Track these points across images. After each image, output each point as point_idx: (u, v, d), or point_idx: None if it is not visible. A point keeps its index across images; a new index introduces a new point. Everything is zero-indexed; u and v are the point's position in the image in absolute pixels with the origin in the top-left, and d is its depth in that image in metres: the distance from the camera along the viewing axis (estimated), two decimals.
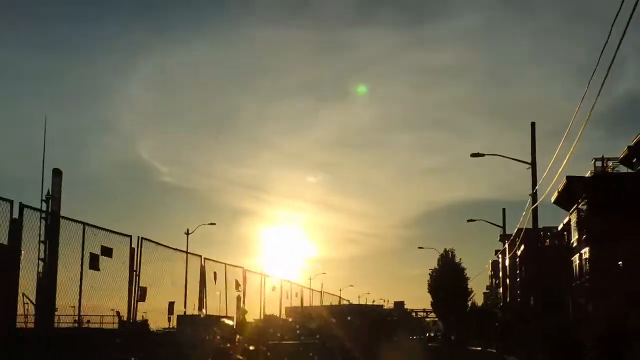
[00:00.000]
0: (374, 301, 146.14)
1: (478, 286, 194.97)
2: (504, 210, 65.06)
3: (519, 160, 41.64)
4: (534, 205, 40.22)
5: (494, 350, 68.32)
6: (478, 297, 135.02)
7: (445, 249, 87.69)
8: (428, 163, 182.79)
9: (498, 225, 63.84)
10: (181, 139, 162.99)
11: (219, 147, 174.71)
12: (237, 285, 28.39)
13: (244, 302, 28.56)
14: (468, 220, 65.60)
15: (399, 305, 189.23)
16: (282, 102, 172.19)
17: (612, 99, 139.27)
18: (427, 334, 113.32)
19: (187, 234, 64.75)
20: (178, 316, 23.19)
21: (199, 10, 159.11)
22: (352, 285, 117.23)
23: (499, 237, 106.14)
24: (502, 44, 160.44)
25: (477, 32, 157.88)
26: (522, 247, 79.89)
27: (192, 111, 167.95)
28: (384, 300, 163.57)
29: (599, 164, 57.33)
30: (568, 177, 54.91)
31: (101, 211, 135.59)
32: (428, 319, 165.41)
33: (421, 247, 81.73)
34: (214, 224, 68.66)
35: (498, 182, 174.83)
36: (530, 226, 54.97)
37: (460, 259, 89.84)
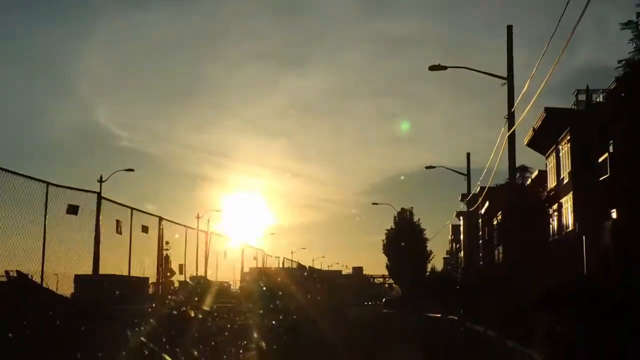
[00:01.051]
0: (330, 266, 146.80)
1: (438, 252, 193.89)
2: (468, 154, 55.28)
3: (492, 75, 32.23)
4: (510, 131, 30.41)
5: (455, 318, 59.18)
6: (438, 262, 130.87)
7: (403, 207, 77.88)
8: (387, 130, 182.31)
9: (461, 173, 54.32)
10: (140, 105, 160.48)
11: (179, 112, 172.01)
12: (163, 242, 24.17)
13: (183, 265, 26.09)
14: (427, 167, 56.28)
15: (358, 270, 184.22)
16: (242, 68, 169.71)
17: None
18: (383, 299, 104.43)
19: (101, 181, 54.23)
20: (76, 276, 18.94)
21: None
22: (304, 248, 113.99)
23: (460, 197, 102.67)
24: (462, 13, 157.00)
25: (436, 1, 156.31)
26: (487, 204, 70.89)
27: (151, 76, 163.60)
28: (342, 266, 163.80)
29: (582, 97, 46.95)
30: (547, 109, 44.80)
31: (59, 175, 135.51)
32: (387, 285, 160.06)
33: (375, 203, 71.84)
34: (132, 170, 61.68)
35: (461, 151, 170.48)
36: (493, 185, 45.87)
37: (419, 219, 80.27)
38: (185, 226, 27.57)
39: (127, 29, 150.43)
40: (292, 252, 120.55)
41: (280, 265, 49.93)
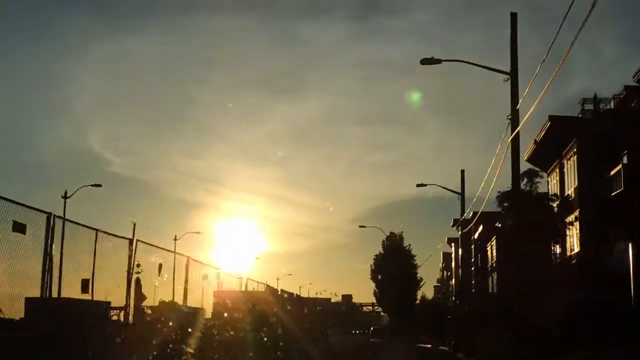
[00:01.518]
0: (318, 293, 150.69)
1: (428, 280, 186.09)
2: (462, 171, 50.80)
3: (493, 69, 27.59)
4: (515, 132, 25.64)
5: (447, 349, 54.12)
6: (428, 291, 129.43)
7: (392, 232, 72.55)
8: (379, 158, 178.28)
9: (455, 192, 49.54)
10: (133, 130, 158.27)
11: (171, 138, 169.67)
12: (133, 264, 21.50)
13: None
14: (418, 185, 51.31)
15: (347, 298, 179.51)
16: (235, 95, 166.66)
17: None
18: (372, 328, 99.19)
19: (65, 197, 50.17)
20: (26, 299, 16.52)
21: None
22: (290, 274, 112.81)
23: (452, 223, 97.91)
24: (453, 39, 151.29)
25: (428, 27, 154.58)
26: (480, 228, 66.43)
27: (144, 101, 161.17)
28: (331, 293, 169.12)
29: (589, 106, 42.25)
30: (552, 117, 39.89)
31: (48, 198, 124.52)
32: (375, 313, 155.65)
33: (363, 226, 66.85)
34: (100, 185, 57.91)
35: (453, 177, 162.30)
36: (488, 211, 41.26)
37: (409, 245, 75.14)
38: (161, 248, 24.92)
39: (120, 54, 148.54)
40: (277, 279, 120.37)
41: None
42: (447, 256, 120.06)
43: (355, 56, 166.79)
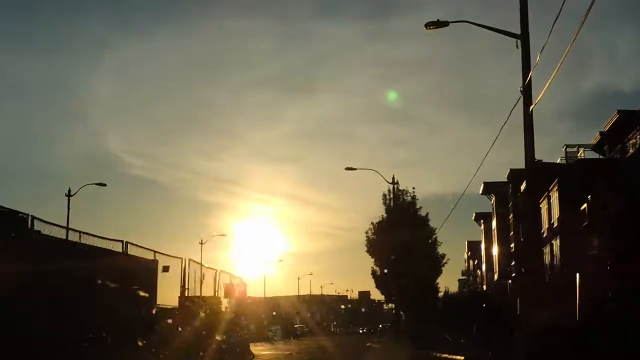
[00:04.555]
0: (337, 292, 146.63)
1: (450, 275, 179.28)
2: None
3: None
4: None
5: None
6: (451, 284, 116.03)
7: (394, 177, 45.35)
8: (395, 155, 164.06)
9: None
10: (151, 133, 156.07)
11: (189, 140, 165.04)
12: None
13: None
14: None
15: (364, 295, 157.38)
16: (250, 95, 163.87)
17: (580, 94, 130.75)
18: (380, 326, 75.62)
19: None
20: None
21: (165, 2, 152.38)
22: (311, 274, 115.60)
23: (473, 217, 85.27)
24: (467, 37, 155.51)
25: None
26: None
27: (160, 104, 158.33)
28: (346, 290, 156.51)
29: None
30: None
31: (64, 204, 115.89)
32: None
33: (352, 168, 40.79)
34: (104, 184, 52.03)
35: (470, 174, 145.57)
36: None
37: (420, 208, 48.93)
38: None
39: (135, 57, 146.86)
40: (298, 278, 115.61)
41: None
42: (473, 245, 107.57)
43: (369, 54, 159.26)
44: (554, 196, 48.36)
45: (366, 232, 46.63)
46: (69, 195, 48.56)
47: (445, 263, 49.48)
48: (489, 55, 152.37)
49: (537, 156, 21.84)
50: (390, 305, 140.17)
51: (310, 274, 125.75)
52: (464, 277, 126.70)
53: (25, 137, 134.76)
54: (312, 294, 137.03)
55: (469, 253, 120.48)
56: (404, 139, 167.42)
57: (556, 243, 46.97)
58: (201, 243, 60.08)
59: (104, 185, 50.72)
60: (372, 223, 46.18)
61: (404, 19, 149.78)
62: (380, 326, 75.36)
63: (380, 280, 46.89)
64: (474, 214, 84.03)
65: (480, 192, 70.48)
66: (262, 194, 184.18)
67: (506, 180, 64.31)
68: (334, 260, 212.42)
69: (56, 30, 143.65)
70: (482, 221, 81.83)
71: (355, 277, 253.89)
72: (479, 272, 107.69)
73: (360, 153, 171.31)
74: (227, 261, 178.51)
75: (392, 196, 42.83)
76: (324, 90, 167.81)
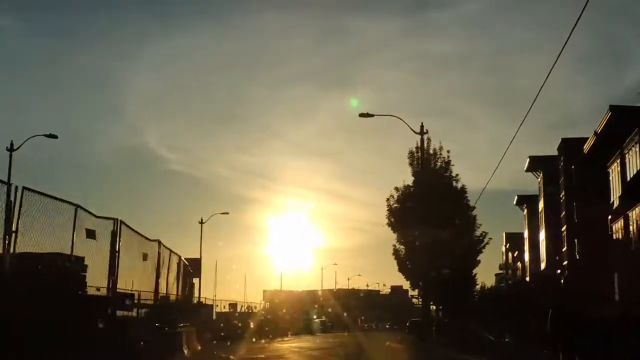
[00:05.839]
0: (367, 285, 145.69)
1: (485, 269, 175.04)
2: None
3: None
4: None
5: None
6: (486, 279, 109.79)
7: (422, 125, 33.44)
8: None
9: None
10: (187, 127, 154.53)
11: (225, 135, 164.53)
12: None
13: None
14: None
15: (397, 289, 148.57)
16: (287, 90, 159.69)
17: None
18: (409, 322, 65.58)
19: None
20: None
21: None
22: (335, 264, 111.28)
23: (515, 201, 74.94)
24: (504, 32, 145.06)
25: (479, 20, 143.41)
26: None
27: (197, 99, 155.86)
28: (377, 283, 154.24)
29: None
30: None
31: (104, 198, 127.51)
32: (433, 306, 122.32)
33: (369, 115, 30.31)
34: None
35: (508, 170, 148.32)
36: None
37: (457, 175, 37.57)
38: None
39: (173, 52, 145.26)
40: (322, 268, 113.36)
41: None
42: (513, 237, 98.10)
43: (406, 49, 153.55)
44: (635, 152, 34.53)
45: (387, 200, 35.40)
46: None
47: (487, 244, 38.75)
48: (524, 51, 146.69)
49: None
50: (417, 299, 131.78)
51: (335, 264, 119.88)
52: (501, 272, 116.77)
53: (64, 131, 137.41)
54: (341, 287, 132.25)
55: (507, 245, 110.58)
56: (440, 133, 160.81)
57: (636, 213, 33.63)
58: (201, 222, 55.98)
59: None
60: (397, 188, 35.19)
61: (442, 14, 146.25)
62: (409, 322, 64.94)
63: (403, 263, 36.08)
64: (516, 197, 73.26)
65: (525, 168, 59.87)
66: (298, 188, 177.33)
67: (556, 153, 53.89)
68: (367, 255, 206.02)
69: (95, 24, 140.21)
70: (525, 205, 71.11)
71: (388, 273, 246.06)
72: (519, 264, 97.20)
73: (397, 147, 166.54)
74: (265, 257, 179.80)
75: (419, 154, 32.03)
76: (360, 85, 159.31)
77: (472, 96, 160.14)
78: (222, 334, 47.42)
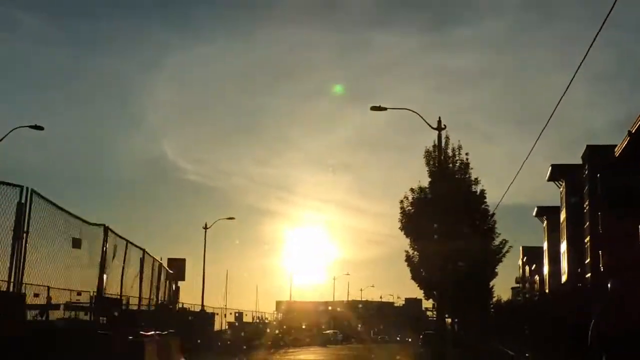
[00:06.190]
0: (380, 297, 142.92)
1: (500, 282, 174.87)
2: None
3: None
4: None
5: None
6: (503, 292, 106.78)
7: (440, 119, 31.23)
8: None
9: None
10: (206, 138, 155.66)
11: (243, 146, 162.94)
12: None
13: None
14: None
15: (413, 302, 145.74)
16: (306, 102, 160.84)
17: None
18: (422, 335, 62.95)
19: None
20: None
21: (223, 8, 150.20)
22: (348, 274, 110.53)
23: (535, 212, 72.45)
24: (524, 49, 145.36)
25: (499, 37, 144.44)
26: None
27: (216, 110, 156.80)
28: (390, 295, 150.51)
29: None
30: None
31: (123, 207, 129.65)
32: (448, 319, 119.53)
33: (381, 108, 28.03)
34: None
35: (528, 185, 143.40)
36: None
37: (477, 178, 35.00)
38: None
39: (195, 63, 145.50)
40: (334, 278, 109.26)
41: None
42: (529, 251, 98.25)
43: (427, 64, 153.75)
44: None
45: (401, 202, 32.54)
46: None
47: (507, 252, 35.95)
48: (545, 69, 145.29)
49: None
50: (432, 312, 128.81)
51: (347, 274, 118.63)
52: (518, 285, 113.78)
53: (84, 141, 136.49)
54: (354, 299, 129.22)
55: (525, 259, 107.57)
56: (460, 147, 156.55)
57: None
58: (205, 227, 53.65)
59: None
60: (412, 189, 32.31)
61: (463, 30, 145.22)
62: (422, 335, 62.25)
63: (417, 270, 33.35)
64: (536, 209, 70.46)
65: (547, 177, 57.15)
66: (314, 200, 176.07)
67: (581, 162, 51.22)
68: (382, 267, 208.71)
69: (117, 34, 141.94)
70: (545, 217, 68.29)
71: (403, 286, 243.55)
72: (536, 277, 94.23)
73: (416, 162, 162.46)
74: (278, 268, 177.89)
75: (436, 153, 29.33)
76: (381, 99, 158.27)
77: (492, 112, 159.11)
78: (229, 342, 45.35)
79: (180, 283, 35.75)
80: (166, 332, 20.27)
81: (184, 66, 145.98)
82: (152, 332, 17.66)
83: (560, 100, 18.00)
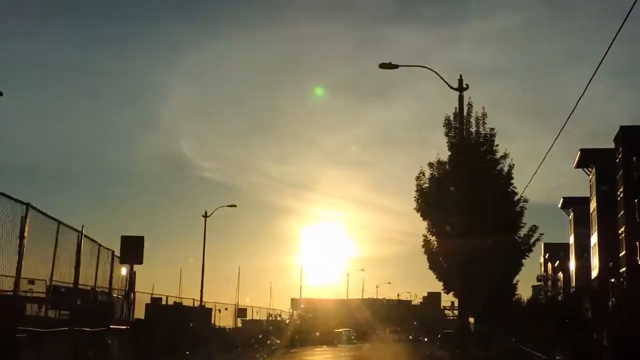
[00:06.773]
0: (398, 295, 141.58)
1: (522, 280, 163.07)
2: None
3: None
4: None
5: None
6: (524, 291, 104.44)
7: (461, 77, 26.73)
8: None
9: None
10: (223, 136, 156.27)
11: (260, 143, 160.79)
12: None
13: None
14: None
15: (432, 298, 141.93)
16: (323, 99, 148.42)
17: None
18: (440, 335, 58.70)
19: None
20: None
21: (240, 6, 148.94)
22: (363, 269, 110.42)
23: (560, 204, 67.08)
24: (540, 44, 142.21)
25: (514, 32, 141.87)
26: None
27: (233, 107, 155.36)
28: (408, 293, 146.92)
29: None
30: None
31: (138, 205, 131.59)
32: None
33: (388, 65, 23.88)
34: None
35: (547, 182, 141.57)
36: None
37: (504, 154, 30.50)
38: None
39: (211, 61, 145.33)
40: (347, 274, 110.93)
41: None
42: (552, 248, 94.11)
43: (441, 60, 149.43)
44: None
45: (417, 178, 27.61)
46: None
47: (537, 240, 31.30)
48: (563, 63, 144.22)
49: None
50: (451, 310, 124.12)
51: (362, 270, 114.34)
52: (539, 283, 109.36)
53: (100, 139, 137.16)
54: (370, 296, 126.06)
55: (547, 256, 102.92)
56: None
57: None
58: (205, 216, 52.17)
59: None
60: (430, 163, 27.46)
61: (478, 25, 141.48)
62: (440, 334, 57.80)
63: (435, 257, 28.82)
64: (562, 200, 65.60)
65: (575, 164, 52.40)
66: (334, 198, 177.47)
67: (613, 146, 46.56)
68: (399, 265, 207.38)
69: (132, 33, 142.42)
70: (571, 209, 63.50)
71: (421, 284, 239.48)
72: (560, 275, 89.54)
73: (433, 157, 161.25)
74: (294, 266, 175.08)
75: (457, 121, 24.99)
76: (397, 95, 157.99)
77: (509, 108, 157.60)
78: (229, 341, 42.54)
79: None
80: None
81: (199, 64, 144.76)
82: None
83: (585, 90, 16.97)
